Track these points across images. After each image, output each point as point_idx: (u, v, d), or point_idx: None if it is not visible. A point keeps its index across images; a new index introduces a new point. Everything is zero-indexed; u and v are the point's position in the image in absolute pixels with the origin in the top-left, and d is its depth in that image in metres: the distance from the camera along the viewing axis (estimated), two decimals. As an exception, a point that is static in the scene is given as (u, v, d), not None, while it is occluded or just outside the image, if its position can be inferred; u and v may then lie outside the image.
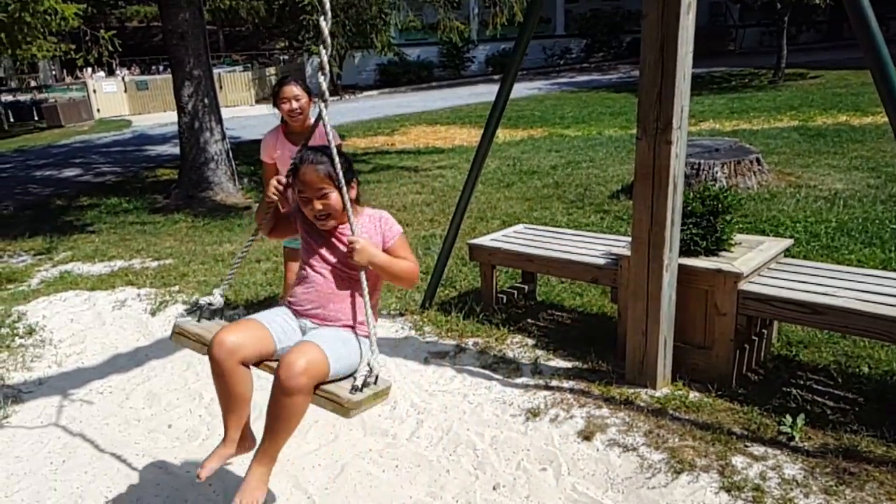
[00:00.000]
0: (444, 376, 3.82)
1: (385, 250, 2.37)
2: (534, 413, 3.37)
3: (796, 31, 24.61)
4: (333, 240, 2.41)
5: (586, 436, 3.15)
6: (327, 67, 2.30)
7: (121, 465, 3.20)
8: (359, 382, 2.20)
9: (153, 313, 5.03)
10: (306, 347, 2.19)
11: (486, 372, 3.83)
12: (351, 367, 2.27)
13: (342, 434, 3.36)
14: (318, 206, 2.32)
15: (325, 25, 2.26)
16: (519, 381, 3.71)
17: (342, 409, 2.18)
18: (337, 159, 2.25)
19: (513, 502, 2.80)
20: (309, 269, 2.43)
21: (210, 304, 2.59)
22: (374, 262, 2.26)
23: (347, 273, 2.38)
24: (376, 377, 2.24)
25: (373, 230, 2.40)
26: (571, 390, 3.54)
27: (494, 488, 2.90)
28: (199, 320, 2.56)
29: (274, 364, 2.28)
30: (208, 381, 3.94)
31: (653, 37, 3.05)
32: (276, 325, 2.39)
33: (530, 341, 4.13)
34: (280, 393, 2.14)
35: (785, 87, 15.80)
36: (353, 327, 2.39)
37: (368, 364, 2.23)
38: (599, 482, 2.86)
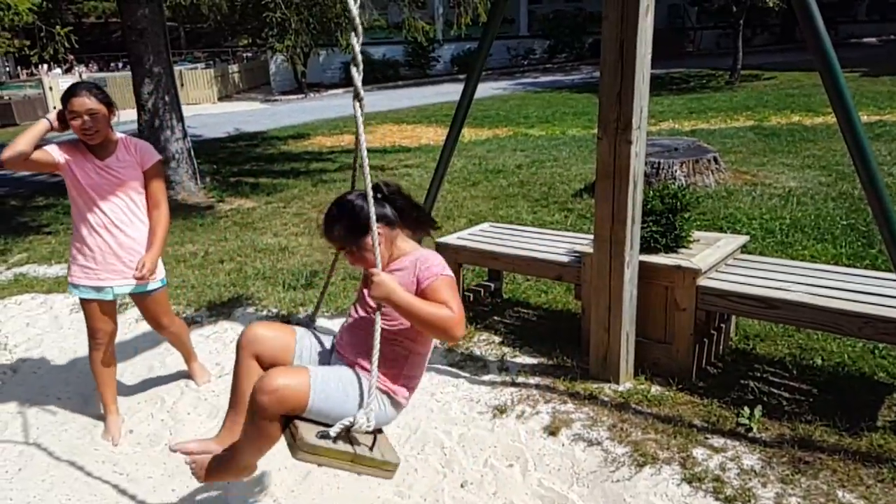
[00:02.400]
0: (411, 375, 3.83)
1: (419, 293, 2.03)
2: (500, 410, 3.40)
3: (751, 33, 25.19)
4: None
5: (552, 431, 3.19)
6: (359, 57, 1.94)
7: (79, 472, 3.14)
8: (330, 430, 1.94)
9: (113, 316, 4.93)
10: (295, 371, 2.03)
11: (453, 370, 3.85)
12: (342, 413, 2.01)
13: (308, 435, 3.34)
14: (350, 261, 2.20)
15: (354, 6, 1.91)
16: (486, 378, 3.73)
17: (293, 445, 1.96)
18: (369, 208, 1.94)
19: (480, 499, 2.82)
20: (352, 308, 2.29)
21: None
22: (391, 300, 1.93)
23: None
24: (372, 439, 1.99)
25: (408, 270, 2.10)
26: (537, 386, 3.58)
27: (462, 486, 2.92)
28: None
29: None
30: (170, 386, 3.90)
31: (613, 38, 3.10)
32: (306, 341, 2.29)
33: (497, 339, 4.17)
34: (248, 404, 2.03)
35: (741, 87, 16.17)
36: (388, 389, 2.15)
37: (352, 418, 1.95)
38: (565, 477, 2.91)
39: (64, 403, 3.77)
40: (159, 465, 3.20)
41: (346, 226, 2.12)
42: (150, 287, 3.37)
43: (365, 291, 2.16)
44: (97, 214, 3.18)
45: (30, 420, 3.62)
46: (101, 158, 3.17)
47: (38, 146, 3.02)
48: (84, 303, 3.28)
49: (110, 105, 3.13)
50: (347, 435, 1.96)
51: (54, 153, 3.11)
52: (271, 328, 2.28)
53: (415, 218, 2.24)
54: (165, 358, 4.23)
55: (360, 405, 2.01)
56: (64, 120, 3.04)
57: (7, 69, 31.32)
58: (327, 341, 2.34)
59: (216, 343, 4.40)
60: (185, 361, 3.90)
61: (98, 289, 3.24)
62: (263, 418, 1.98)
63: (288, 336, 2.27)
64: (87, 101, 3.03)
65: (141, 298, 3.41)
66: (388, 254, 2.15)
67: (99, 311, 3.29)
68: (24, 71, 31.25)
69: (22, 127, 19.34)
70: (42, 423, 3.58)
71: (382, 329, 1.99)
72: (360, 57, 1.93)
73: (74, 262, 3.27)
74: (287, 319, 4.62)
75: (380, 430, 2.11)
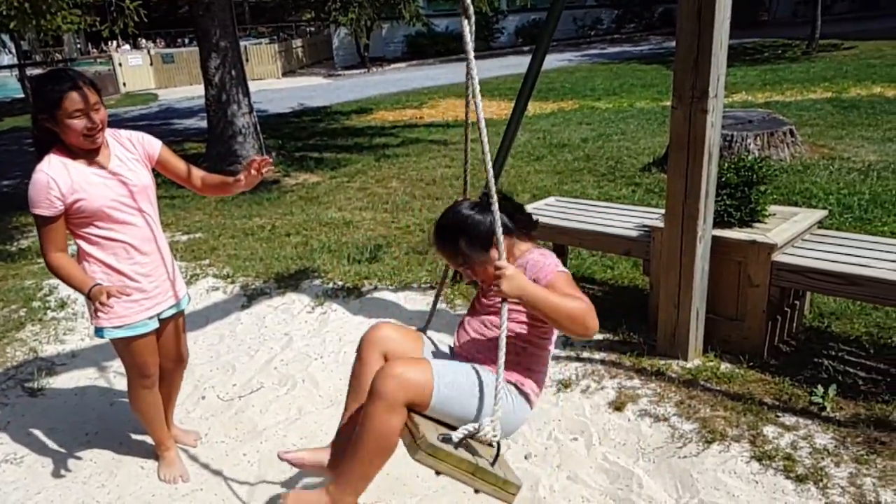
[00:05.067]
0: (474, 347, 3.85)
1: None
2: (565, 384, 3.39)
3: (831, 0, 23.86)
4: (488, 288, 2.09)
5: (617, 406, 3.17)
6: (470, 38, 1.79)
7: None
8: (453, 434, 1.79)
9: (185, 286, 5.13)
10: (419, 361, 1.96)
11: (516, 343, 3.85)
12: (465, 413, 1.92)
13: (374, 402, 3.41)
14: (469, 276, 2.12)
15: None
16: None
17: (412, 444, 1.82)
18: (495, 221, 1.80)
19: (544, 471, 2.83)
20: (466, 319, 2.23)
21: None
22: (526, 292, 1.81)
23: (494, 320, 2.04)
24: (496, 450, 1.82)
25: (526, 272, 1.96)
26: (602, 362, 3.56)
27: (526, 457, 2.93)
28: None
29: None
30: (240, 353, 4.03)
31: (689, 3, 2.99)
32: (430, 344, 2.24)
33: (560, 313, 4.14)
34: (368, 393, 1.92)
35: (819, 58, 15.38)
36: (516, 380, 2.06)
37: (477, 424, 1.81)
38: (630, 451, 2.89)
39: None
40: (231, 429, 3.33)
41: (467, 241, 2.01)
42: (186, 301, 2.92)
43: (483, 300, 2.09)
44: (131, 234, 2.59)
45: (107, 385, 3.82)
46: (104, 165, 2.53)
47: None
48: (131, 342, 2.67)
49: (101, 95, 2.51)
50: (470, 443, 1.81)
51: (57, 206, 2.43)
52: (398, 330, 2.20)
53: (521, 220, 2.14)
54: (235, 327, 4.38)
55: (483, 404, 1.91)
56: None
57: (78, 46, 32.51)
58: (445, 347, 2.27)
59: (284, 314, 4.52)
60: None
61: (151, 318, 2.70)
62: (385, 408, 1.85)
63: (415, 338, 2.21)
64: (90, 93, 2.41)
65: (174, 320, 2.89)
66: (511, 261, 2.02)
67: (152, 344, 2.76)
68: (94, 48, 32.38)
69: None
70: (118, 388, 3.74)
71: (508, 330, 1.85)
72: (471, 38, 1.79)
73: (118, 302, 2.52)
74: (357, 291, 4.70)
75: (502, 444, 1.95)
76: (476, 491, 1.86)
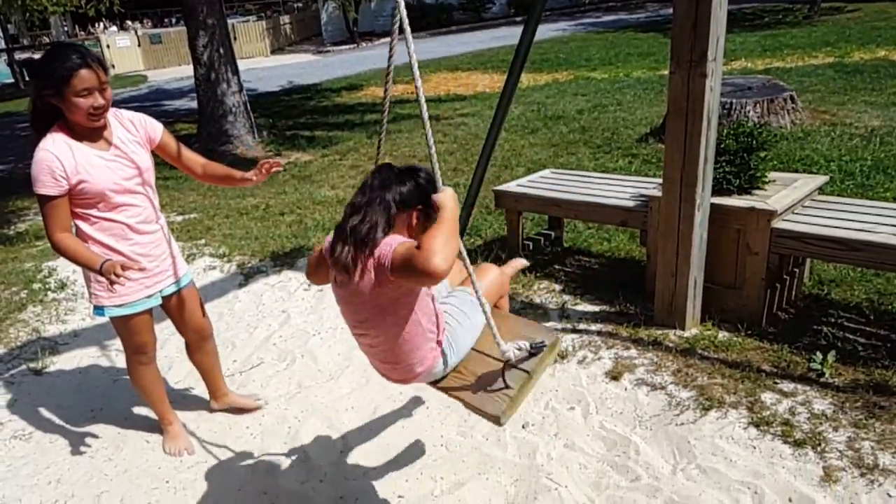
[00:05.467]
0: (472, 320, 3.84)
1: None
2: (561, 356, 3.39)
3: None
4: None
5: (614, 376, 3.17)
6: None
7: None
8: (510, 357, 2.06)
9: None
10: None
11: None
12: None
13: (374, 378, 3.41)
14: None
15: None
16: (546, 325, 3.72)
17: (504, 411, 2.02)
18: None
19: (542, 440, 2.84)
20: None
21: None
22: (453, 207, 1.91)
23: None
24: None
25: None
26: (599, 333, 3.55)
27: (524, 427, 2.94)
28: None
29: None
30: (239, 329, 4.03)
31: (685, -34, 2.93)
32: None
33: (557, 287, 4.13)
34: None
35: (821, 22, 15.19)
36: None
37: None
38: (627, 420, 2.89)
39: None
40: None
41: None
42: (189, 276, 2.93)
43: None
44: (130, 215, 2.59)
45: (109, 363, 3.83)
46: (106, 147, 2.51)
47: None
48: (127, 319, 2.71)
49: (107, 73, 2.47)
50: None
51: (62, 184, 2.40)
52: None
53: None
54: (234, 305, 4.37)
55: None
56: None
57: (65, 29, 32.15)
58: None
59: (281, 292, 4.50)
60: (214, 391, 3.23)
61: (149, 297, 2.72)
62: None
63: None
64: (99, 72, 2.36)
65: (182, 294, 2.89)
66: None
67: (149, 322, 2.80)
68: (82, 31, 32.03)
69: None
70: (120, 366, 3.76)
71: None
72: None
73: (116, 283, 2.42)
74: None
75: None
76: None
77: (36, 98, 2.41)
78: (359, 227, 1.84)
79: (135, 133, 2.62)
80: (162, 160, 2.80)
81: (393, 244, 1.80)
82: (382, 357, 2.04)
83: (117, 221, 2.55)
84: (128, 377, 2.97)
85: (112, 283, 2.29)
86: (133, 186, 2.57)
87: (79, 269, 5.09)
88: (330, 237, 1.96)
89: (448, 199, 1.87)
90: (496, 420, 2.01)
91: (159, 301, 2.78)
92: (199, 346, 3.08)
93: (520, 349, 2.05)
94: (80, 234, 2.54)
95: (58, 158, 2.38)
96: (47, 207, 2.42)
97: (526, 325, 2.30)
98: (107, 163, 2.49)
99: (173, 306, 2.89)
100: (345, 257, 1.84)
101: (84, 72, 2.31)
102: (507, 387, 2.03)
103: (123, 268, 2.27)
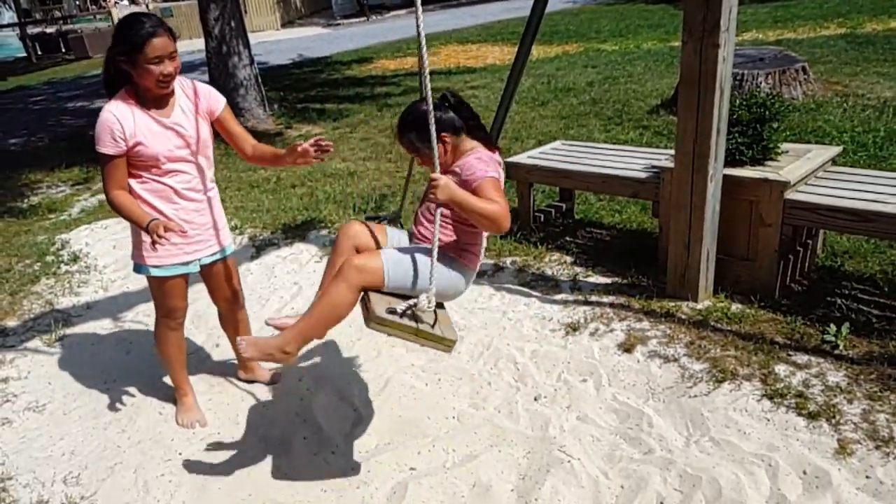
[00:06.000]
0: (483, 294, 3.85)
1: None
2: (573, 328, 3.39)
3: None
4: None
5: (627, 348, 3.16)
6: None
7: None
8: (397, 307, 2.16)
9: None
10: (374, 252, 2.32)
11: (525, 290, 3.84)
12: (413, 287, 2.26)
13: (384, 350, 3.43)
14: (420, 163, 2.45)
15: None
16: (558, 297, 3.71)
17: (366, 317, 2.20)
18: (431, 122, 2.07)
19: (554, 412, 2.85)
20: (422, 204, 2.57)
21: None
22: (453, 200, 2.12)
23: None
24: (433, 317, 2.18)
25: (458, 175, 2.26)
26: (611, 305, 3.54)
27: (536, 399, 2.95)
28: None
29: None
30: (252, 301, 4.04)
31: (700, -69, 2.87)
32: (394, 237, 2.56)
33: (569, 259, 4.12)
34: (334, 276, 2.28)
35: (833, -9, 14.89)
36: (453, 254, 2.36)
37: (416, 300, 2.16)
38: (640, 392, 2.89)
39: (153, 319, 3.98)
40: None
41: (417, 136, 2.30)
42: (230, 249, 2.99)
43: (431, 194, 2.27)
44: (180, 182, 2.68)
45: (123, 335, 3.85)
46: (167, 115, 2.61)
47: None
48: (162, 281, 2.79)
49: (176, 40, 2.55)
50: (413, 312, 2.17)
51: (121, 145, 2.52)
52: (366, 226, 2.53)
53: (470, 121, 2.40)
54: (246, 278, 4.38)
55: (423, 279, 2.24)
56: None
57: (77, 3, 31.98)
58: (405, 234, 2.60)
59: (293, 264, 4.51)
60: (242, 361, 3.31)
61: (186, 263, 2.79)
62: (344, 287, 2.21)
63: (381, 230, 2.55)
64: (168, 41, 2.45)
65: (218, 265, 2.96)
66: (451, 159, 2.35)
67: (183, 287, 2.87)
68: (93, 4, 31.84)
69: (96, 60, 19.88)
70: (134, 338, 3.80)
71: (443, 215, 2.22)
72: None
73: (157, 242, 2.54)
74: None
75: (441, 307, 2.33)
76: (421, 346, 2.23)
77: (109, 63, 2.54)
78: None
79: (198, 104, 2.70)
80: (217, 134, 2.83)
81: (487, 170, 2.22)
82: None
83: (166, 185, 2.65)
84: (141, 349, 3.01)
85: (154, 242, 2.40)
86: (186, 155, 2.67)
87: (91, 242, 5.16)
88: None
89: (450, 189, 2.11)
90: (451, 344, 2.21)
91: (197, 269, 2.86)
92: (230, 316, 3.16)
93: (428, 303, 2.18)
94: (130, 190, 2.64)
95: (119, 121, 2.50)
96: (107, 167, 2.55)
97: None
98: (165, 130, 2.59)
99: (210, 275, 2.98)
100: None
101: (157, 40, 2.42)
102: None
103: (166, 229, 2.40)
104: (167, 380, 3.32)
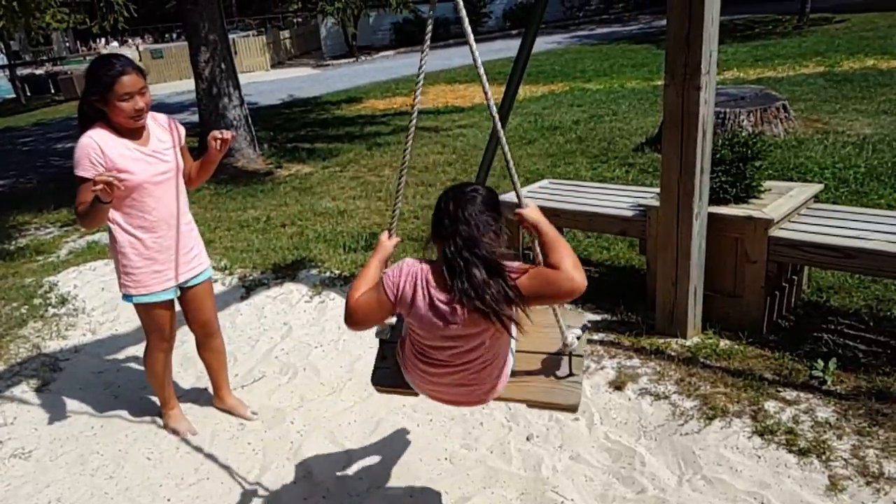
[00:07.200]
0: (473, 332, 3.84)
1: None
2: (564, 365, 3.39)
3: (822, -28, 23.71)
4: None
5: (618, 386, 3.17)
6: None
7: (159, 428, 3.29)
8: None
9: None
10: None
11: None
12: None
13: (376, 392, 3.40)
14: None
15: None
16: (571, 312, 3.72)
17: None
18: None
19: (546, 452, 2.84)
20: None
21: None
22: (541, 220, 1.94)
23: None
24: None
25: None
26: (601, 342, 3.56)
27: (528, 439, 2.94)
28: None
29: None
30: (241, 343, 4.03)
31: (679, -21, 2.97)
32: None
33: (558, 295, 4.13)
34: None
35: (810, 32, 15.31)
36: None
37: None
38: (632, 430, 2.89)
39: (141, 363, 3.93)
40: (234, 418, 3.32)
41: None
42: (207, 273, 3.09)
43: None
44: (161, 209, 2.80)
45: (110, 379, 3.81)
46: (144, 144, 2.74)
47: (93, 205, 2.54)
48: (152, 308, 2.92)
49: (146, 78, 2.70)
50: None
51: (98, 168, 2.58)
52: None
53: None
54: (235, 318, 4.37)
55: None
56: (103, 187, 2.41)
57: (66, 44, 32.27)
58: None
59: (283, 304, 4.51)
60: (216, 390, 3.37)
61: (168, 289, 2.92)
62: None
63: None
64: (137, 78, 2.59)
65: (196, 290, 3.05)
66: None
67: (169, 312, 2.99)
68: (83, 46, 32.15)
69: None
70: (122, 382, 3.76)
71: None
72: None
73: (139, 271, 2.82)
74: (354, 279, 4.69)
75: None
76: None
77: (83, 102, 2.69)
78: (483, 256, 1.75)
79: (169, 132, 2.86)
80: None
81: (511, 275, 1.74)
82: (468, 380, 1.91)
83: (146, 214, 2.77)
84: (129, 393, 3.00)
85: (101, 191, 2.36)
86: (166, 182, 2.80)
87: (80, 284, 5.13)
88: (392, 274, 1.90)
89: (537, 212, 1.92)
90: (574, 409, 2.04)
91: (178, 293, 2.99)
92: (204, 342, 3.24)
93: (578, 337, 2.05)
94: (110, 218, 2.75)
95: (97, 143, 2.62)
96: (80, 187, 2.62)
97: (545, 313, 2.19)
98: (145, 157, 2.73)
99: (185, 299, 3.08)
100: (488, 294, 1.70)
101: (126, 78, 2.57)
102: (571, 374, 2.04)
103: (107, 182, 2.38)
104: (155, 426, 3.29)
